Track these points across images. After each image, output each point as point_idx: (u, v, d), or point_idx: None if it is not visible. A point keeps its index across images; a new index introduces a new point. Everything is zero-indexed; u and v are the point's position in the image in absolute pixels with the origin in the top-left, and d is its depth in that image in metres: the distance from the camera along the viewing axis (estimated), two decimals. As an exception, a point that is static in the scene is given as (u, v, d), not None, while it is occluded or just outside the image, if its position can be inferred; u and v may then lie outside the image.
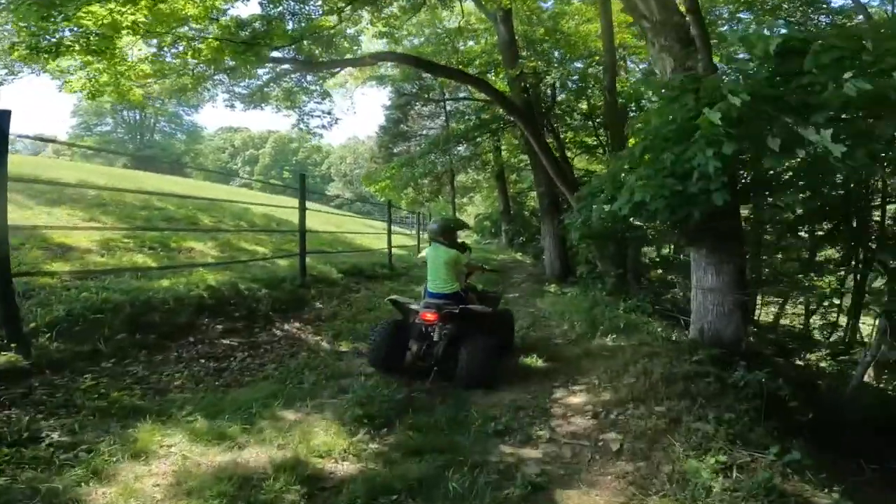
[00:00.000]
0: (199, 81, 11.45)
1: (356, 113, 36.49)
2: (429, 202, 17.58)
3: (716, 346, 4.55)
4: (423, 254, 4.42)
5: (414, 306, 3.99)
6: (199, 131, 53.08)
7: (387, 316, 6.25)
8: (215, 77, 12.18)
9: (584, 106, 15.11)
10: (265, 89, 12.99)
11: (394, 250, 13.46)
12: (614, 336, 4.81)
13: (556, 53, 13.71)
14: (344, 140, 65.63)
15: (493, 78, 13.79)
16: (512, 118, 11.63)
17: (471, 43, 15.94)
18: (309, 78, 14.12)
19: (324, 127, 13.94)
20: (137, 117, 49.14)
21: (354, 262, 9.28)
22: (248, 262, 6.65)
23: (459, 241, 4.51)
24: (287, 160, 67.61)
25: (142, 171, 23.68)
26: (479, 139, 13.19)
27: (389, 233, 10.24)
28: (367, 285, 8.13)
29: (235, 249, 7.65)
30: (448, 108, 16.44)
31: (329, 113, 14.31)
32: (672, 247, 10.33)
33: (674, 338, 4.68)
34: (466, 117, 13.64)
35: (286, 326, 5.09)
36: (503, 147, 19.39)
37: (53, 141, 23.77)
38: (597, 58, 13.74)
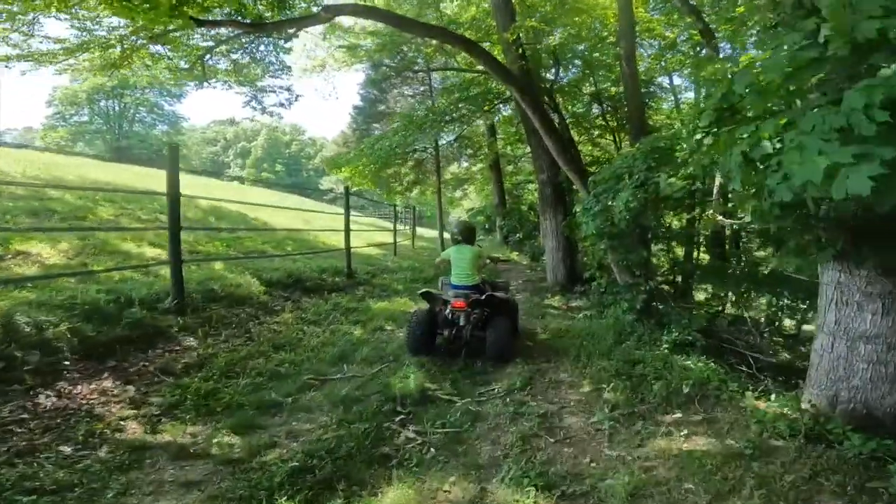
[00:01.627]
0: (130, 54, 9.31)
1: (338, 98, 33.91)
2: (407, 192, 15.17)
3: (861, 425, 2.39)
4: (444, 255, 4.63)
5: (444, 297, 4.29)
6: (180, 122, 50.35)
7: (307, 355, 4.06)
8: (152, 49, 10.11)
9: (587, 90, 12.84)
10: (208, 62, 10.68)
11: (368, 251, 11.23)
12: (680, 416, 2.55)
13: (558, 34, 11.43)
14: (337, 133, 63.40)
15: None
16: (507, 88, 9.36)
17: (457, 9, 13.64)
18: (262, 48, 11.83)
19: (281, 105, 11.69)
20: (116, 107, 46.58)
21: (299, 267, 7.02)
22: (95, 272, 4.36)
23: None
24: (280, 153, 65.39)
25: (120, 163, 21.28)
26: (465, 113, 10.89)
27: (347, 230, 7.93)
28: (302, 302, 5.86)
29: (108, 253, 5.36)
30: (434, 83, 14.13)
31: (288, 89, 11.98)
32: (694, 249, 8.04)
33: (804, 422, 2.40)
34: (455, 96, 11.29)
35: (80, 388, 2.81)
36: (499, 134, 17.14)
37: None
38: (605, 34, 11.55)
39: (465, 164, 21.69)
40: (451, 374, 3.85)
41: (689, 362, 3.72)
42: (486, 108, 12.38)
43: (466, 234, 4.57)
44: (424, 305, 4.50)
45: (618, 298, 5.78)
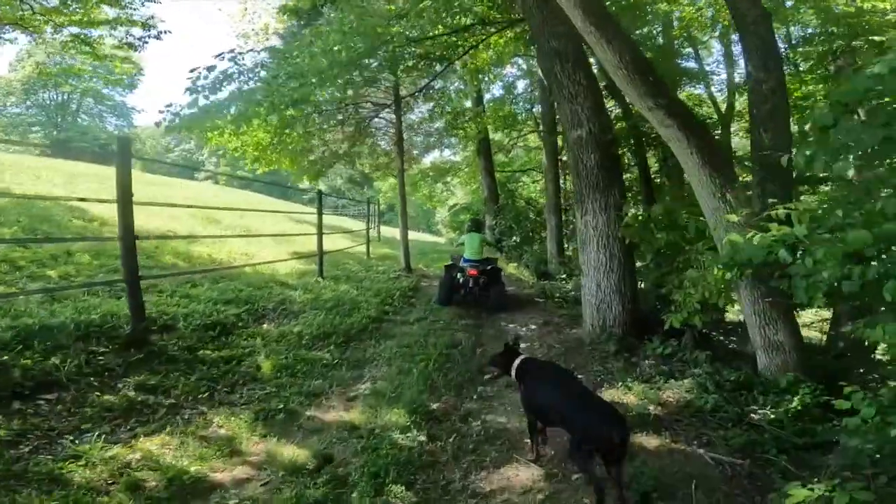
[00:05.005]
0: None
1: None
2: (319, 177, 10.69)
3: None
4: (460, 240, 6.82)
5: (459, 266, 6.29)
6: (131, 113, 45.34)
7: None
8: None
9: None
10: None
11: (290, 266, 6.43)
12: None
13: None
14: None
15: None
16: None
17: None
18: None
19: (129, 45, 7.19)
20: (60, 98, 41.42)
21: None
22: None
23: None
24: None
25: (61, 158, 17.00)
26: (436, 39, 6.52)
27: (130, 237, 3.45)
28: None
29: None
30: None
31: (144, 23, 7.56)
32: None
33: None
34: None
35: None
36: (488, 118, 12.98)
37: None
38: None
39: (446, 152, 17.35)
40: None
41: None
42: (476, 32, 7.78)
43: (477, 225, 6.82)
44: None
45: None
